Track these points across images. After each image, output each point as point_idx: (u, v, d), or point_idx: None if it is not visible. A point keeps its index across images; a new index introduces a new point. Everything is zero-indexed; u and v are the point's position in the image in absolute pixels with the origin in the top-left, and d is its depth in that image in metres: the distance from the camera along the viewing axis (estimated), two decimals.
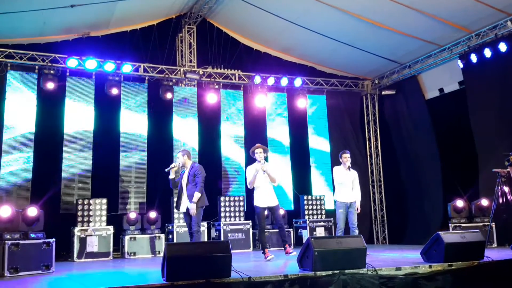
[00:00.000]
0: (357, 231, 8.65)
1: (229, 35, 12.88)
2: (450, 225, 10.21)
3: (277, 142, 13.40)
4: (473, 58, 10.87)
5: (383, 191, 13.95)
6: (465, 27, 10.90)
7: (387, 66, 13.23)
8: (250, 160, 12.40)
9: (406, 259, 7.42)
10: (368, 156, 14.21)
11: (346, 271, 5.65)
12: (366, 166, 14.08)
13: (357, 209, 8.80)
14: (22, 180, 10.68)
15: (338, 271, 5.61)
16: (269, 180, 8.23)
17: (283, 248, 8.37)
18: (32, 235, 7.40)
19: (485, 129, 10.88)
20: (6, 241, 6.98)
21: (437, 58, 12.05)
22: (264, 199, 8.20)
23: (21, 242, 7.12)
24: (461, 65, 11.20)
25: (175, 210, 10.98)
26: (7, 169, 10.59)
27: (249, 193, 12.22)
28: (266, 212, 8.43)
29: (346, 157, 8.90)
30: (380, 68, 13.44)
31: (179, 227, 10.91)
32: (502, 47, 10.30)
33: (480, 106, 10.99)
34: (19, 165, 10.71)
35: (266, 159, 8.45)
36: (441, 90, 12.39)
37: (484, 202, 10.24)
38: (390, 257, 8.00)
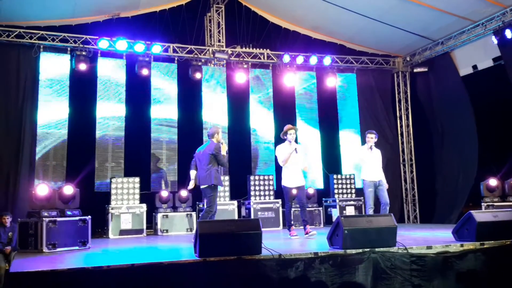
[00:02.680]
0: (388, 207, 8.64)
1: (257, 14, 12.80)
2: (482, 204, 10.07)
3: (307, 121, 13.37)
4: (508, 33, 10.55)
5: (414, 170, 13.82)
6: (500, 1, 10.59)
7: (419, 42, 12.98)
8: (280, 139, 12.47)
9: (437, 238, 7.38)
10: (399, 135, 14.06)
11: (377, 249, 5.67)
12: (397, 145, 13.95)
13: (387, 186, 8.81)
14: (58, 159, 10.95)
15: (368, 249, 5.63)
16: (298, 161, 8.40)
17: (309, 226, 8.47)
18: (69, 213, 7.62)
19: None
20: (44, 218, 7.20)
21: (471, 34, 11.76)
22: (291, 179, 8.39)
23: (58, 219, 7.34)
24: (495, 41, 10.91)
25: None
26: (43, 149, 10.86)
27: (279, 172, 12.28)
28: (294, 192, 8.48)
29: (369, 137, 8.84)
30: (411, 45, 13.20)
31: None
32: None
33: None
34: (54, 145, 10.97)
35: (296, 139, 8.65)
36: (474, 67, 12.11)
37: None
38: (421, 236, 7.97)
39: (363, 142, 13.21)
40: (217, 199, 7.77)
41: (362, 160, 8.84)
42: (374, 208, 8.66)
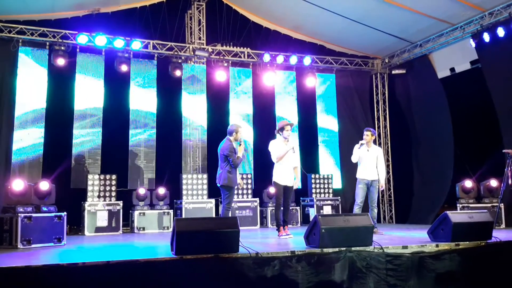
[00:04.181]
0: (376, 210, 8.70)
1: (238, 12, 12.77)
2: (458, 205, 10.18)
3: (286, 120, 13.37)
4: (486, 37, 10.69)
5: (391, 171, 13.95)
6: (478, 5, 10.73)
7: (397, 45, 13.10)
8: (259, 137, 12.48)
9: (413, 238, 7.47)
10: (377, 136, 14.17)
11: (353, 248, 5.71)
12: None
13: (381, 186, 8.93)
14: (34, 155, 10.79)
15: (344, 248, 5.67)
16: (293, 160, 8.28)
17: (288, 226, 8.42)
18: (44, 209, 7.54)
19: (506, 109, 10.75)
20: (19, 214, 7.10)
21: (449, 37, 11.90)
22: (284, 177, 8.20)
23: (34, 215, 7.25)
24: (473, 44, 11.05)
25: (183, 187, 11.12)
26: (19, 145, 10.69)
27: (257, 170, 12.32)
28: (284, 190, 8.28)
29: (364, 135, 8.88)
30: (390, 46, 13.31)
31: (188, 203, 11.02)
32: None
33: (499, 86, 10.81)
34: (30, 140, 10.81)
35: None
36: (452, 69, 12.27)
37: (493, 182, 10.18)
38: (397, 236, 8.06)
39: (342, 142, 13.45)
40: (232, 197, 8.00)
41: (354, 159, 8.87)
42: (362, 207, 8.66)
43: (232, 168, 7.83)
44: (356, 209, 8.65)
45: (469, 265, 6.05)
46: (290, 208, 11.81)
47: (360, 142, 8.88)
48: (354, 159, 8.94)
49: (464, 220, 6.39)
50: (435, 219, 6.73)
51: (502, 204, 9.72)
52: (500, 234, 6.89)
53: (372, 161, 8.80)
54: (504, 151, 9.18)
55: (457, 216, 6.47)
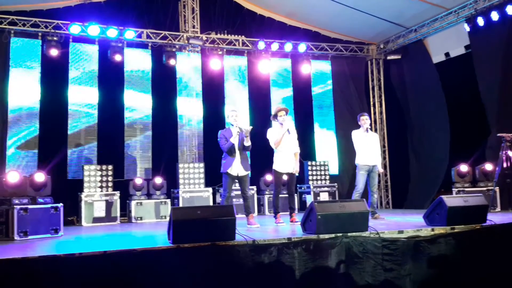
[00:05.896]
0: (376, 196, 8.68)
1: (232, 0, 12.72)
2: (453, 189, 10.22)
3: (279, 105, 13.36)
4: (480, 21, 10.69)
5: (387, 157, 13.98)
6: None
7: (392, 30, 13.07)
8: (255, 124, 12.45)
9: (408, 222, 7.49)
10: (373, 122, 14.18)
11: (349, 234, 5.72)
12: None
13: (382, 171, 8.96)
14: (29, 146, 10.76)
15: (341, 234, 5.68)
16: (292, 145, 8.19)
17: (288, 213, 8.46)
18: (40, 200, 7.51)
19: (492, 93, 10.77)
20: (15, 206, 7.09)
21: (444, 21, 11.88)
22: (284, 164, 8.15)
23: (30, 206, 7.23)
24: (468, 29, 11.04)
25: (180, 176, 11.12)
26: (15, 137, 10.66)
27: (253, 158, 12.30)
28: (284, 178, 8.32)
29: (364, 119, 8.79)
30: (385, 32, 13.28)
31: (185, 192, 11.03)
32: (510, 10, 10.13)
33: (487, 71, 10.85)
34: (26, 132, 10.78)
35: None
36: (447, 54, 12.26)
37: (488, 166, 10.23)
38: (393, 221, 8.08)
39: (338, 128, 13.45)
40: (227, 185, 8.08)
41: (358, 146, 8.75)
42: (362, 193, 8.59)
43: (225, 153, 7.86)
44: (356, 195, 8.47)
45: (464, 248, 6.07)
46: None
47: (366, 127, 8.79)
48: (357, 145, 8.82)
49: (459, 204, 6.42)
50: (431, 203, 6.76)
51: (497, 187, 9.74)
52: (495, 217, 6.93)
53: (371, 146, 8.78)
54: (498, 134, 9.19)
55: (452, 200, 6.49)
